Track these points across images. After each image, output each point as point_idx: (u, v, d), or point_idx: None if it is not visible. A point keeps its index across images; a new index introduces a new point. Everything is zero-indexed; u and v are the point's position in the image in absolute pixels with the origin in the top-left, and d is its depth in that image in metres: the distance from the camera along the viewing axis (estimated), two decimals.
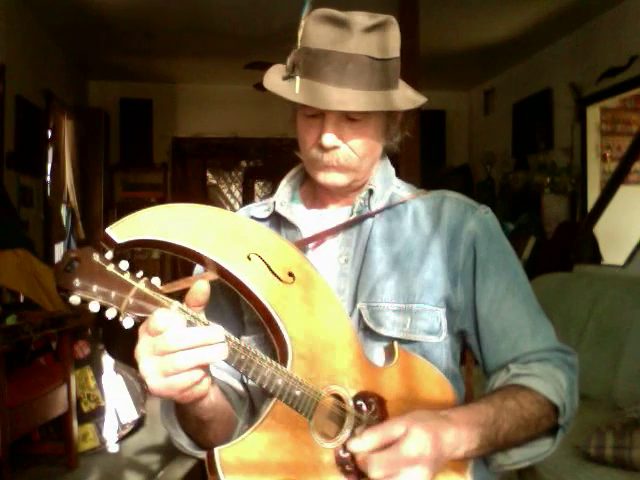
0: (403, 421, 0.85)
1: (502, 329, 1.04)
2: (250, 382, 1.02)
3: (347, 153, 1.02)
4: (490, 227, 1.08)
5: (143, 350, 0.80)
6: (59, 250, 5.14)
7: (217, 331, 0.81)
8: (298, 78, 0.98)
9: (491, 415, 0.92)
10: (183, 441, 1.01)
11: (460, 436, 0.87)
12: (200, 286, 0.84)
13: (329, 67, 0.96)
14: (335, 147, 1.00)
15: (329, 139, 0.99)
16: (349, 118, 0.99)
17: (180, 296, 0.85)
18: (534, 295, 1.08)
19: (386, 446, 0.83)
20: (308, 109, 1.00)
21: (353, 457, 0.89)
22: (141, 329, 0.81)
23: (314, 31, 0.98)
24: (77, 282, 0.80)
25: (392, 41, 1.00)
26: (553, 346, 1.05)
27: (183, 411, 0.93)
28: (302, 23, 1.00)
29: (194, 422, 0.95)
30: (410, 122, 1.10)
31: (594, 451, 2.10)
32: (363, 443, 0.84)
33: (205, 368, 0.82)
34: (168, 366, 0.79)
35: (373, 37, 0.97)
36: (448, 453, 0.86)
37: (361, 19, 0.98)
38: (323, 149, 1.01)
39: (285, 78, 1.00)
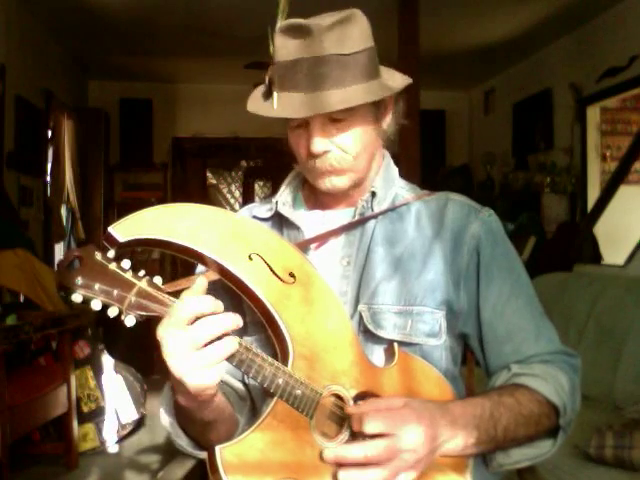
0: (402, 398, 0.88)
1: (506, 332, 1.04)
2: (251, 381, 1.02)
3: (339, 155, 1.01)
4: (494, 230, 1.07)
5: (178, 347, 0.80)
6: (59, 250, 5.14)
7: (238, 317, 0.84)
8: (275, 94, 0.98)
9: (487, 408, 0.92)
10: (183, 442, 1.01)
11: (456, 426, 0.88)
12: (201, 283, 0.84)
13: (299, 75, 0.96)
14: (326, 152, 1.00)
15: (317, 145, 0.99)
16: (333, 119, 0.99)
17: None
18: (537, 298, 1.08)
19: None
20: (292, 120, 1.00)
21: None
22: (164, 328, 0.81)
23: (281, 44, 0.98)
24: (79, 280, 0.81)
25: (359, 33, 0.98)
26: (557, 349, 1.05)
27: (186, 414, 0.92)
28: (272, 38, 0.99)
29: (198, 424, 0.95)
30: (403, 106, 1.08)
31: (594, 451, 2.10)
32: (360, 406, 0.87)
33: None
34: (213, 355, 0.80)
35: (337, 33, 0.96)
36: (445, 440, 0.87)
37: (321, 20, 0.97)
38: (315, 156, 1.00)
39: (265, 97, 1.01)
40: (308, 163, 1.03)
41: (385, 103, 1.05)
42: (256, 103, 1.02)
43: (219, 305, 0.83)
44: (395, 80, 1.03)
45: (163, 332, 0.81)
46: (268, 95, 1.00)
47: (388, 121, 1.07)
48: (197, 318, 0.81)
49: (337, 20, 0.96)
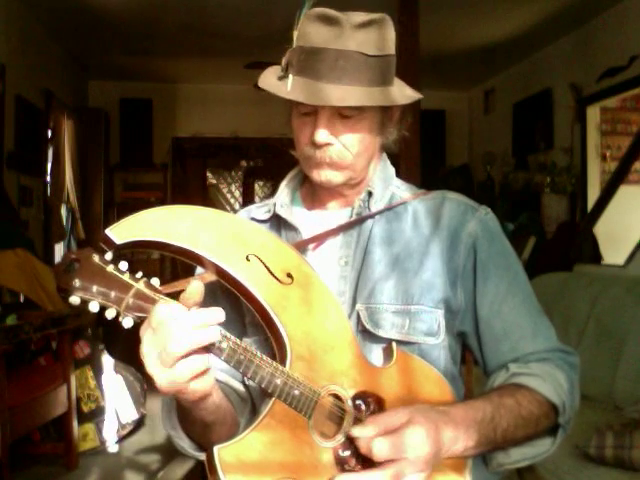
0: (405, 411, 0.87)
1: (503, 330, 1.04)
2: (250, 382, 1.02)
3: (340, 150, 1.02)
4: (490, 228, 1.08)
5: (146, 348, 0.80)
6: (59, 250, 5.15)
7: (215, 311, 0.82)
8: (291, 76, 0.98)
9: (488, 412, 0.92)
10: (185, 443, 1.01)
11: (458, 431, 0.88)
12: (196, 286, 0.84)
13: (321, 64, 0.97)
14: (328, 144, 1.00)
15: (321, 135, 0.99)
16: (342, 115, 0.99)
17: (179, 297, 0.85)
18: (535, 296, 1.08)
19: (388, 433, 0.84)
20: (301, 107, 1.00)
21: (352, 456, 0.90)
22: (142, 330, 0.82)
23: (308, 30, 0.98)
24: (77, 283, 0.81)
25: (386, 38, 1.00)
26: (554, 347, 1.05)
27: (187, 414, 0.93)
28: (298, 23, 1.00)
29: (198, 425, 0.95)
30: (408, 120, 1.10)
31: (594, 451, 2.10)
32: (366, 429, 0.86)
33: (203, 356, 0.82)
34: (166, 356, 0.79)
35: (365, 34, 0.97)
36: (447, 447, 0.87)
37: (354, 17, 0.98)
38: (316, 146, 1.01)
39: (280, 78, 1.01)
40: (307, 151, 1.03)
41: (392, 112, 1.06)
42: (268, 81, 1.02)
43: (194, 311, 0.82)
44: (405, 93, 1.04)
45: (141, 334, 0.81)
46: (282, 77, 1.00)
47: (391, 129, 1.08)
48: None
49: (368, 20, 0.98)
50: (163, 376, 0.80)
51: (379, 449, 0.83)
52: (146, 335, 0.81)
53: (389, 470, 0.83)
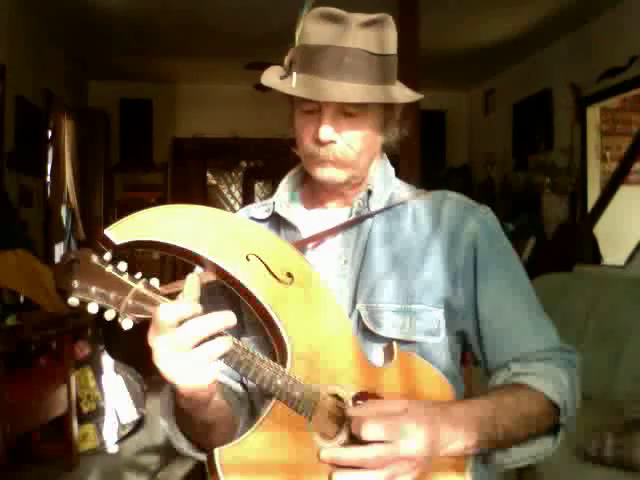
0: (404, 401, 0.87)
1: (503, 329, 1.04)
2: (250, 383, 1.02)
3: (344, 148, 1.01)
4: (490, 227, 1.08)
5: (165, 350, 0.79)
6: (59, 250, 5.15)
7: (229, 314, 0.82)
8: (295, 73, 0.99)
9: (489, 410, 0.92)
10: (183, 444, 1.01)
11: (458, 430, 0.88)
12: (193, 283, 0.83)
13: (326, 61, 0.97)
14: (331, 141, 1.00)
15: (325, 132, 0.99)
16: (346, 112, 1.00)
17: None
18: (535, 295, 1.08)
19: (383, 417, 0.84)
20: (305, 104, 1.00)
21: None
22: (151, 334, 0.81)
23: (311, 29, 0.99)
24: (76, 283, 0.80)
25: (389, 38, 1.00)
26: (555, 346, 1.05)
27: (187, 416, 0.92)
28: (300, 22, 1.01)
29: (199, 426, 0.95)
30: (408, 120, 1.10)
31: (594, 451, 2.10)
32: (362, 409, 0.86)
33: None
34: (202, 357, 0.79)
35: (369, 32, 0.98)
36: (444, 445, 0.87)
37: (358, 16, 0.99)
38: (320, 144, 1.01)
39: (283, 77, 1.01)
40: (310, 148, 1.03)
41: (394, 110, 1.06)
42: (271, 79, 1.02)
43: (197, 307, 0.82)
44: (405, 93, 1.05)
45: (151, 338, 0.81)
46: (285, 76, 1.01)
47: (393, 128, 1.08)
48: (183, 321, 0.80)
49: (372, 20, 0.98)
50: (192, 378, 0.80)
51: (370, 428, 0.82)
52: (160, 340, 0.79)
53: (380, 448, 0.82)
